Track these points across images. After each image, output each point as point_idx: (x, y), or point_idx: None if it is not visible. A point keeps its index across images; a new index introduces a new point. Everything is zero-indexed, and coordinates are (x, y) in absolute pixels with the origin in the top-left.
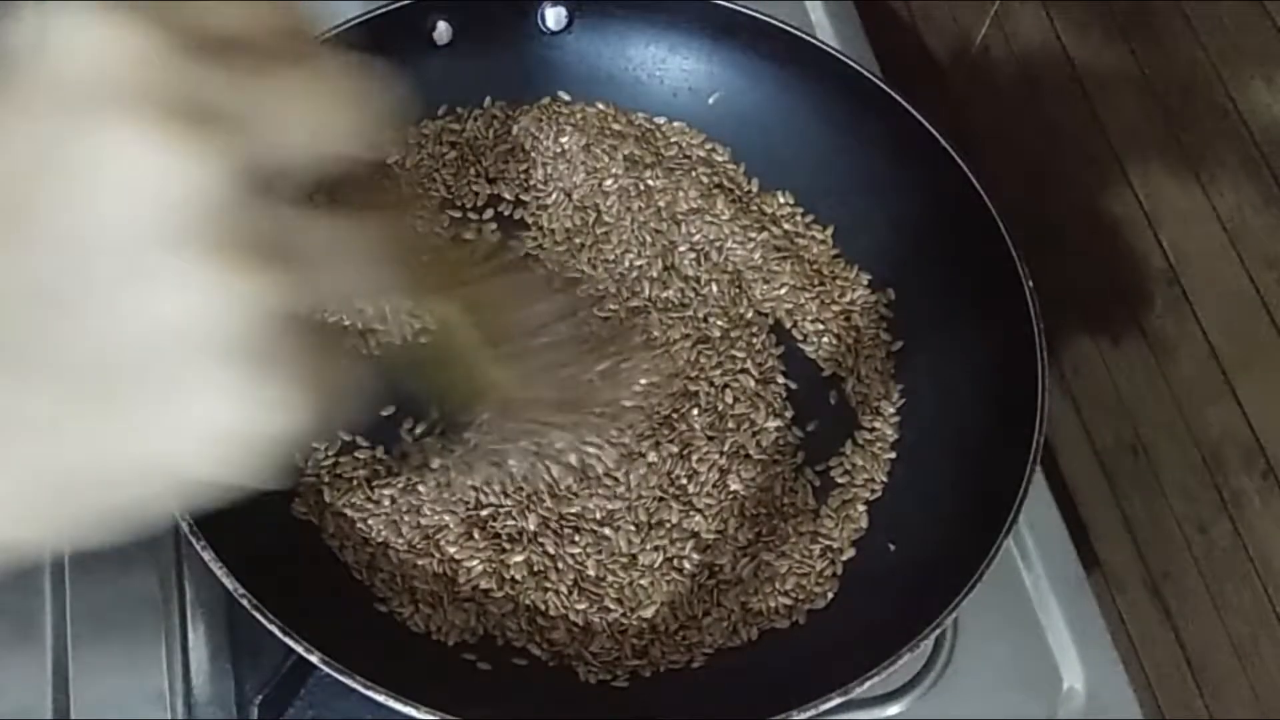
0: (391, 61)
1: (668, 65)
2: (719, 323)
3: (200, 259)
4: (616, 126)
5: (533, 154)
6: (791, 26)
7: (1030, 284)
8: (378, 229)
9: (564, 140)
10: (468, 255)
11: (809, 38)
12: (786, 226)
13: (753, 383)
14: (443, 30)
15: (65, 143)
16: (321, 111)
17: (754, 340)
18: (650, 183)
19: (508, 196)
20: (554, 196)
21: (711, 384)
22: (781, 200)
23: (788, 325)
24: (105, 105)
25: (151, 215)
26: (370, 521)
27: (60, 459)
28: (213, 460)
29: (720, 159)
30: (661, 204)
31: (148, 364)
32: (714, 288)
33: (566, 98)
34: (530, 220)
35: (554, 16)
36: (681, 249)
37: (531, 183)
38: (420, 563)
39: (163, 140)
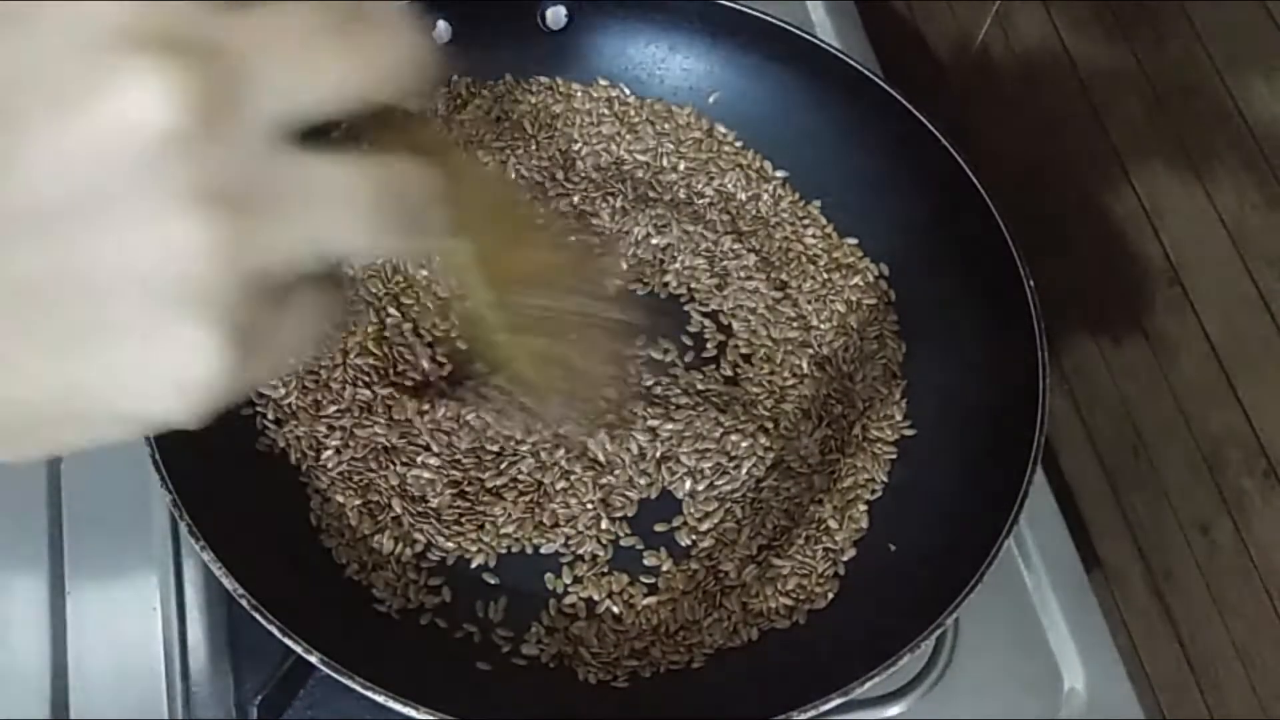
0: None
1: (668, 64)
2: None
3: (170, 201)
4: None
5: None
6: (792, 25)
7: (1031, 284)
8: (408, 171)
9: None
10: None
11: (809, 36)
12: (788, 227)
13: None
14: (442, 29)
15: (48, 67)
16: (342, 51)
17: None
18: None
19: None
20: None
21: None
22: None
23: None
24: (97, 34)
25: (120, 148)
26: (375, 538)
27: (16, 377)
28: (151, 404)
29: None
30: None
31: (100, 303)
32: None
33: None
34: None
35: (554, 16)
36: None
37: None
38: (421, 566)
39: (140, 68)
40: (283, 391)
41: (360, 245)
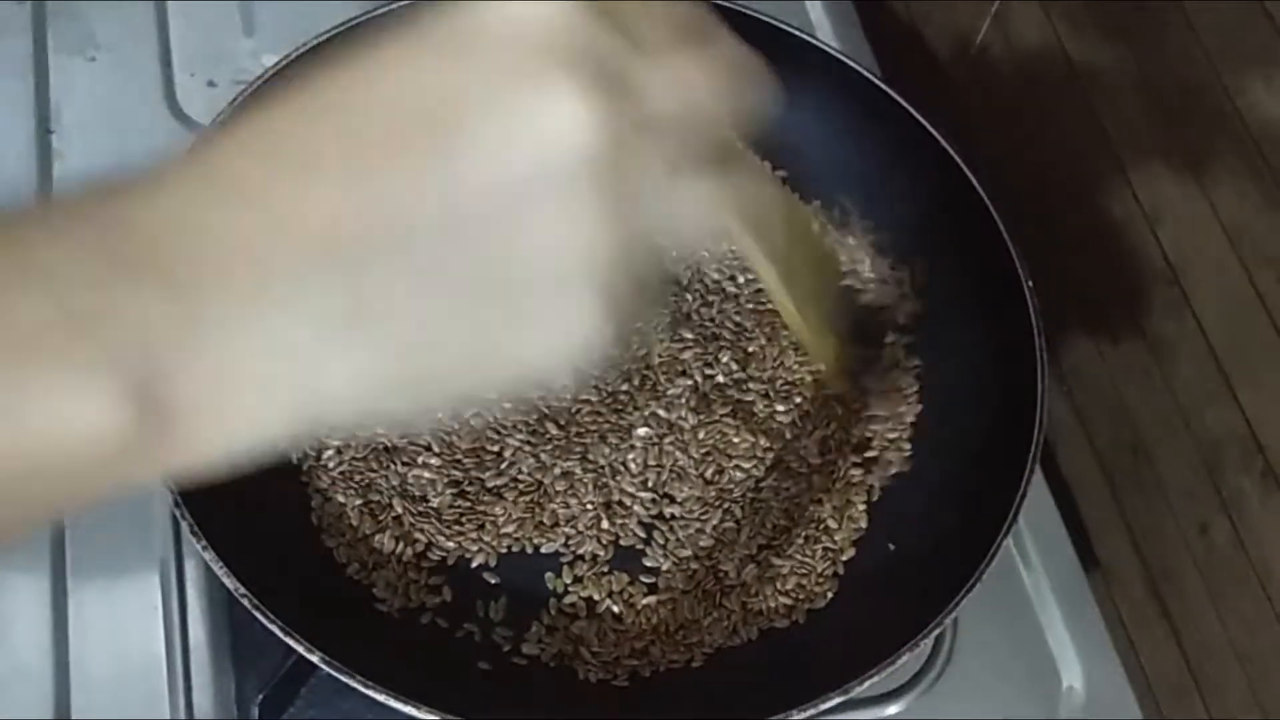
0: None
1: None
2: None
3: (584, 210)
4: None
5: None
6: (790, 26)
7: (1030, 284)
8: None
9: None
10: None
11: (808, 37)
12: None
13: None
14: None
15: (488, 86)
16: (726, 95)
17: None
18: None
19: None
20: None
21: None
22: None
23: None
24: (530, 58)
25: (553, 160)
26: (376, 538)
27: (442, 349)
28: (547, 361)
29: None
30: None
31: (526, 284)
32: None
33: None
34: None
35: None
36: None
37: None
38: (422, 565)
39: (575, 97)
40: None
41: (718, 246)
